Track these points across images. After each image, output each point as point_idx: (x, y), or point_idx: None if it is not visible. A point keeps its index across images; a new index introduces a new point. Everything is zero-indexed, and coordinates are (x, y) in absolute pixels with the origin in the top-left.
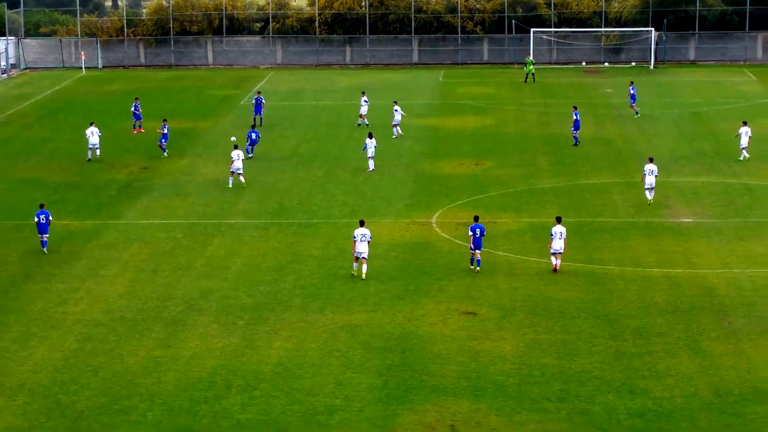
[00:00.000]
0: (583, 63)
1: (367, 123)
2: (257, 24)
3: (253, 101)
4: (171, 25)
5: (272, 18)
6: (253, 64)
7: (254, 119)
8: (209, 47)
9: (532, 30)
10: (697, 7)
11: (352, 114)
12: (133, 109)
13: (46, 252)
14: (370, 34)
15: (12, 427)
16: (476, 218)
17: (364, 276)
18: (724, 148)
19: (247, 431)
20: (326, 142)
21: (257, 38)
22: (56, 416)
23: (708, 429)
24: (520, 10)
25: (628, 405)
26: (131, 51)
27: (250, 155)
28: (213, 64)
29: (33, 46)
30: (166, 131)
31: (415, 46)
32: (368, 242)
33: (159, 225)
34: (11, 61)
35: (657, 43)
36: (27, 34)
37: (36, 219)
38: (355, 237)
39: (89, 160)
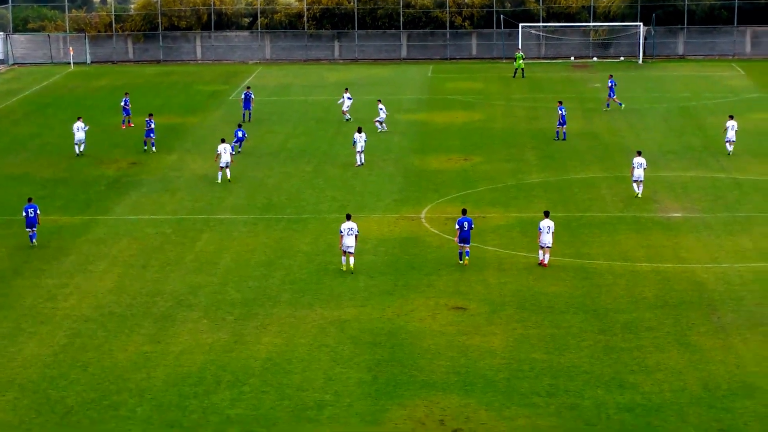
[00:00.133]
0: (572, 58)
1: (348, 118)
2: (246, 19)
3: (242, 96)
4: (159, 20)
5: (261, 13)
6: (241, 59)
7: (243, 115)
8: (198, 42)
9: (520, 25)
10: (686, 2)
11: (340, 109)
12: (123, 104)
13: (36, 245)
14: (358, 29)
15: (1, 423)
16: (464, 211)
17: (352, 268)
18: (712, 142)
19: (236, 426)
20: (315, 138)
21: (246, 33)
22: (46, 412)
23: (697, 423)
24: (509, 4)
25: (617, 399)
26: (119, 46)
27: (235, 152)
28: (201, 59)
29: (21, 41)
30: (152, 126)
31: (403, 41)
32: (356, 236)
33: (148, 220)
34: None
35: (645, 38)
36: (15, 30)
37: (24, 213)
38: (342, 231)
39: (77, 155)
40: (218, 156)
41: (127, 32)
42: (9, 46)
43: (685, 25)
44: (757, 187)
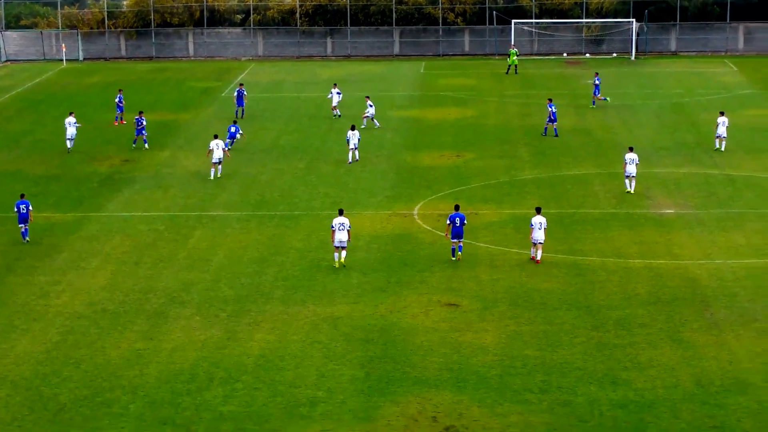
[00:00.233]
0: (564, 54)
1: (337, 114)
2: (238, 16)
3: (235, 93)
4: (152, 17)
5: (253, 10)
6: (234, 56)
7: (236, 111)
8: (190, 39)
9: (513, 21)
10: None
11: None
12: (117, 100)
13: (28, 241)
14: (351, 25)
15: None
16: (456, 207)
17: (343, 262)
18: (705, 139)
19: (229, 423)
20: (307, 134)
21: (238, 30)
22: (39, 409)
23: (690, 420)
24: (501, 1)
25: (610, 396)
26: (112, 43)
27: (227, 147)
28: (194, 56)
29: (14, 38)
30: (143, 124)
31: (396, 37)
32: (347, 231)
33: (140, 217)
34: None
35: (638, 34)
36: (7, 27)
37: (16, 209)
38: (333, 226)
39: (68, 150)
40: (210, 152)
41: (119, 29)
42: (1, 42)
43: (678, 22)
44: (749, 184)
